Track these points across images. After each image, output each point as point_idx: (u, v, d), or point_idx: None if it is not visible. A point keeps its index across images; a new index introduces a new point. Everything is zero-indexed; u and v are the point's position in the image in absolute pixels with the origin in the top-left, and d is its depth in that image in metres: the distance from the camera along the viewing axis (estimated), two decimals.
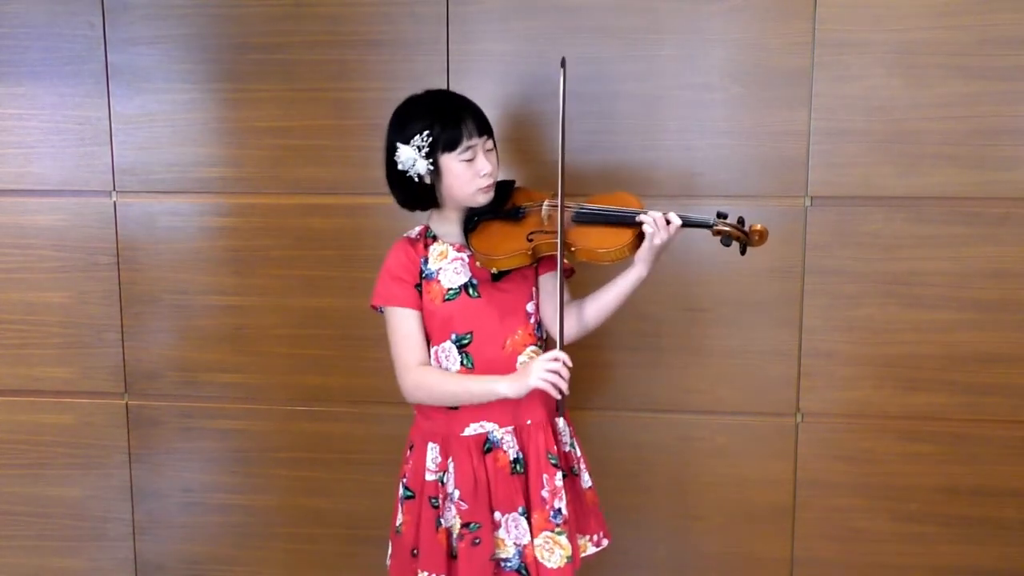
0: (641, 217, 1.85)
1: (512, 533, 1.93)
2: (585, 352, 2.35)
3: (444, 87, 2.32)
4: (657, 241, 1.84)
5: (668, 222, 1.84)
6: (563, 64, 1.87)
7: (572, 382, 2.37)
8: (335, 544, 2.56)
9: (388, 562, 2.07)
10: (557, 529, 1.93)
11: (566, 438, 2.04)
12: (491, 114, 2.31)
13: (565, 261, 1.90)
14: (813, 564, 2.42)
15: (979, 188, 2.25)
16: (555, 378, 1.83)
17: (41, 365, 2.57)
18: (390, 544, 2.06)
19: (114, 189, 2.48)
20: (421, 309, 1.94)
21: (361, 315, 2.37)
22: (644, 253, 1.87)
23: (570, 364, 1.85)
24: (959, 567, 2.39)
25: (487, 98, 2.32)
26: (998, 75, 2.20)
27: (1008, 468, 2.34)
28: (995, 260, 2.27)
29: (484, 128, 1.91)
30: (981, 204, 2.26)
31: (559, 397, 1.85)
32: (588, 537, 2.06)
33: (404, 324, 1.94)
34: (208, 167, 2.45)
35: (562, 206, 1.87)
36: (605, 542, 2.09)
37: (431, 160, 1.87)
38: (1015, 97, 2.21)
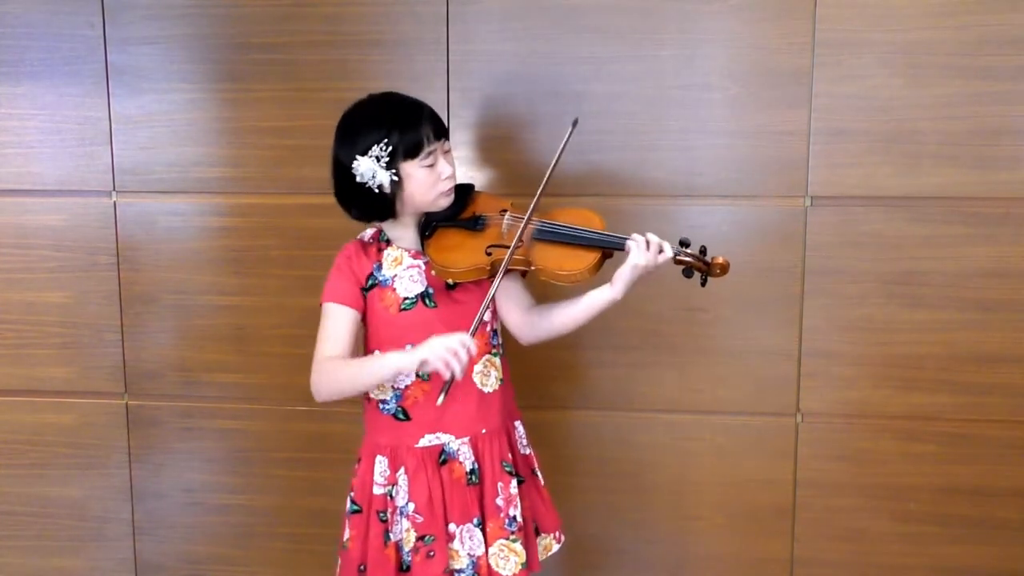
0: (632, 240, 1.81)
1: (466, 544, 1.89)
2: (585, 352, 2.36)
3: (444, 87, 2.32)
4: (642, 262, 1.81)
5: (661, 250, 1.81)
6: (574, 124, 1.86)
7: (572, 382, 2.39)
8: (335, 544, 2.56)
9: None
10: (512, 536, 1.91)
11: (524, 440, 2.02)
12: (490, 114, 2.32)
13: (521, 269, 1.86)
14: (813, 564, 2.42)
15: (979, 188, 2.25)
16: (450, 357, 1.70)
17: (41, 365, 2.57)
18: (339, 560, 2.03)
19: (114, 189, 2.48)
20: (360, 311, 1.88)
21: None
22: (625, 275, 1.82)
23: (473, 352, 1.74)
24: (959, 567, 2.39)
25: (487, 98, 2.33)
26: (998, 75, 2.20)
27: (1008, 468, 2.34)
28: (995, 260, 2.27)
29: (441, 131, 1.85)
30: (981, 204, 2.26)
31: (448, 377, 1.72)
32: (552, 535, 2.04)
33: (332, 319, 1.87)
34: (208, 167, 2.45)
35: (526, 225, 1.83)
36: (563, 538, 2.06)
37: (393, 170, 1.80)
38: (1015, 97, 2.21)
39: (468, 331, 1.76)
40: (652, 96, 2.29)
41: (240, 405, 2.53)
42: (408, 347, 1.81)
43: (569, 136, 1.86)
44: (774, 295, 2.33)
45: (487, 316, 1.93)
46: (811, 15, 2.23)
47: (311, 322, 2.45)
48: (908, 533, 2.39)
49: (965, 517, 2.37)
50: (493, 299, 1.92)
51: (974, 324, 2.29)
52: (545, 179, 1.85)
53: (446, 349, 1.71)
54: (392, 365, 1.78)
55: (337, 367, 1.84)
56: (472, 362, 1.87)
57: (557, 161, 1.85)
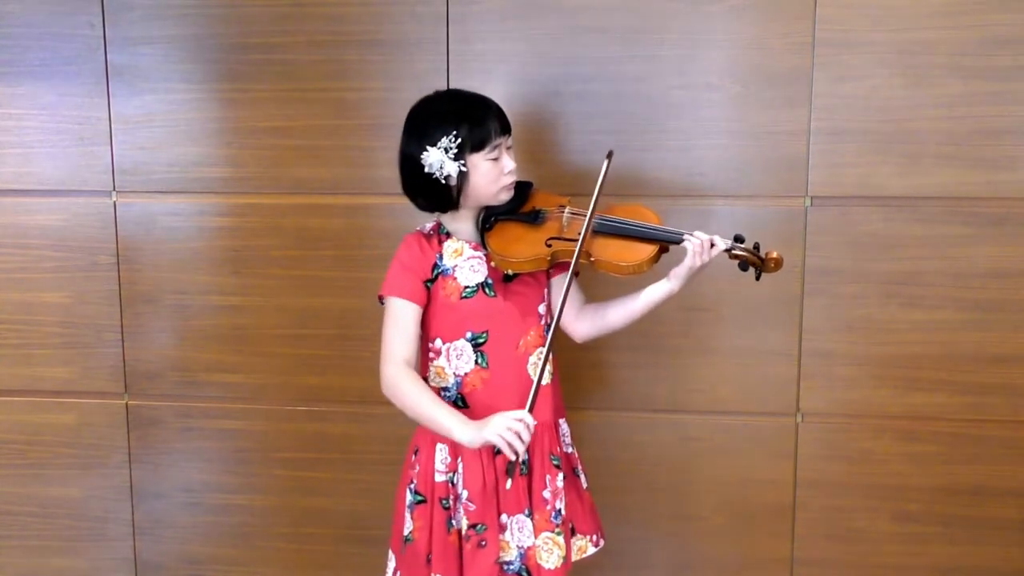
0: (687, 238, 1.88)
1: (516, 535, 1.92)
2: (585, 352, 2.35)
3: (444, 87, 2.32)
4: (698, 262, 1.87)
5: (712, 245, 1.87)
6: (609, 156, 1.92)
7: (573, 382, 2.39)
8: (335, 544, 2.56)
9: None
10: (556, 530, 1.93)
11: (568, 439, 2.04)
12: None
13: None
14: (813, 564, 2.42)
15: (979, 188, 2.25)
16: (513, 438, 1.77)
17: (41, 365, 2.57)
18: (392, 558, 2.03)
19: (114, 189, 2.48)
20: (423, 307, 1.93)
21: (360, 315, 2.38)
22: (682, 271, 1.89)
23: (532, 429, 1.80)
24: (959, 567, 2.39)
25: None
26: (998, 75, 2.20)
27: (1008, 468, 2.34)
28: (995, 260, 2.27)
29: (506, 126, 1.91)
30: (981, 204, 2.26)
31: (512, 458, 1.79)
32: (588, 537, 2.07)
33: (402, 316, 1.91)
34: (208, 167, 2.45)
35: (591, 219, 1.87)
36: (602, 542, 2.10)
37: (461, 161, 1.85)
38: (1015, 97, 2.21)
39: (526, 407, 1.81)
40: (652, 96, 2.29)
41: (240, 405, 2.53)
42: (460, 422, 1.84)
43: (607, 169, 1.91)
44: (774, 295, 2.33)
45: (543, 309, 1.99)
46: (811, 15, 2.23)
47: (311, 322, 2.47)
48: (908, 533, 2.39)
49: (965, 517, 2.37)
50: (548, 295, 2.00)
51: (974, 324, 2.29)
52: (598, 188, 1.90)
53: (508, 430, 1.77)
54: (453, 432, 1.83)
55: (409, 391, 1.88)
56: (527, 353, 1.94)
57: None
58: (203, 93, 2.42)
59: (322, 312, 2.46)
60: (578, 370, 2.40)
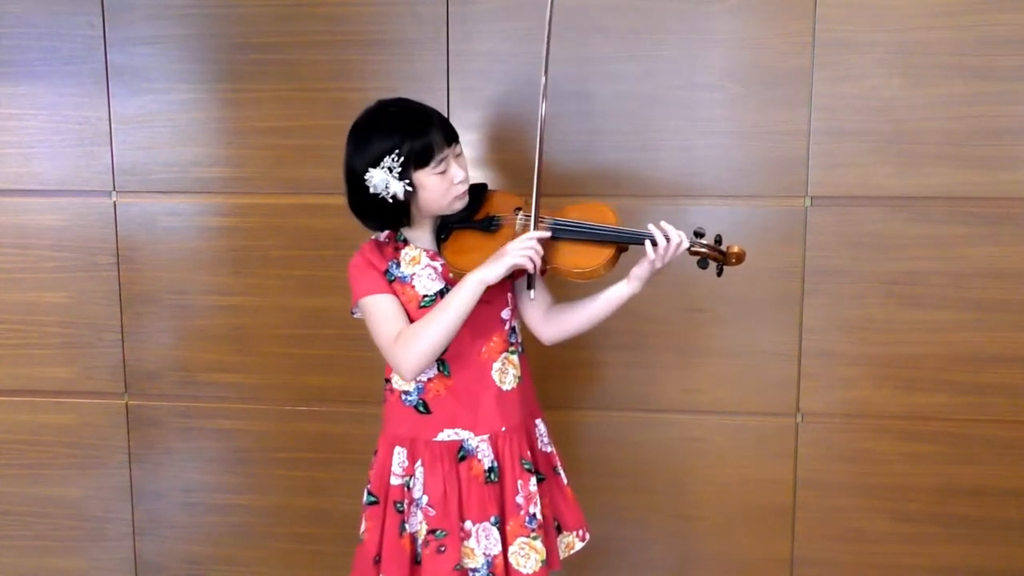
0: (648, 238, 1.80)
1: (482, 543, 1.89)
2: (584, 352, 2.36)
3: (444, 87, 2.32)
4: (659, 264, 1.81)
5: (668, 239, 1.79)
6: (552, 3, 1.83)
7: (571, 382, 2.39)
8: (335, 544, 2.56)
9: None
10: (532, 534, 1.91)
11: (546, 439, 2.03)
12: (490, 114, 2.33)
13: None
14: (813, 564, 2.42)
15: (979, 188, 2.25)
16: (531, 252, 1.77)
17: (41, 365, 2.57)
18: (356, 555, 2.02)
19: (114, 189, 2.48)
20: (396, 296, 1.88)
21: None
22: (643, 272, 1.83)
23: (540, 251, 1.80)
24: (959, 567, 2.39)
25: (487, 98, 2.33)
26: (998, 75, 2.20)
27: (1008, 468, 2.34)
28: (995, 260, 2.27)
29: (452, 136, 1.85)
30: (981, 204, 2.26)
31: (532, 271, 1.80)
32: (575, 533, 2.05)
33: (381, 307, 1.86)
34: (208, 167, 2.45)
35: (537, 200, 1.83)
36: (587, 536, 2.07)
37: (406, 180, 1.80)
38: (1015, 97, 2.21)
39: (532, 228, 1.82)
40: (652, 96, 2.29)
41: (240, 405, 2.53)
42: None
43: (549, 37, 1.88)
44: (774, 295, 2.33)
45: (506, 314, 1.95)
46: (811, 15, 2.23)
47: (311, 322, 2.47)
48: (908, 533, 2.39)
49: (965, 517, 2.37)
50: (512, 298, 1.95)
51: (974, 324, 2.29)
52: (540, 128, 1.88)
53: (526, 248, 1.78)
54: (482, 279, 1.78)
55: (420, 326, 1.83)
56: (491, 360, 1.91)
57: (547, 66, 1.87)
58: (203, 93, 2.42)
59: (322, 312, 2.46)
60: (577, 370, 2.40)
